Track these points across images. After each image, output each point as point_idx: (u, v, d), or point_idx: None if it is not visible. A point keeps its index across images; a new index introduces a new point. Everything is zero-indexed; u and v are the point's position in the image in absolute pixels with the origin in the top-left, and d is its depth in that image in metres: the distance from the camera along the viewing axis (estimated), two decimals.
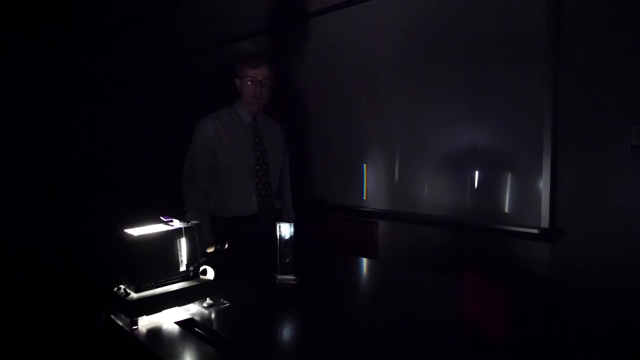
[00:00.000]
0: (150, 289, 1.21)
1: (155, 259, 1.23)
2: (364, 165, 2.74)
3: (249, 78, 2.21)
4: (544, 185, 1.99)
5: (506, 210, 2.14)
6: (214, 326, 1.19)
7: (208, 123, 2.23)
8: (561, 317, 1.07)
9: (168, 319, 1.21)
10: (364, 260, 1.93)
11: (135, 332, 1.15)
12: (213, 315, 1.25)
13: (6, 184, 3.90)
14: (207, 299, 1.30)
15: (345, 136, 2.83)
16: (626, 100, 1.79)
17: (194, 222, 1.34)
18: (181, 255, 1.28)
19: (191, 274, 1.29)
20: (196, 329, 1.20)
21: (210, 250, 1.37)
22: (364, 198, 2.74)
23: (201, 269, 1.31)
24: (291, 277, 1.52)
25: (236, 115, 2.30)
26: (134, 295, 1.18)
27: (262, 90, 2.23)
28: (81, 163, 4.37)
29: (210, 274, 1.32)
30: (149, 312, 1.19)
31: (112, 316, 1.25)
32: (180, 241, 1.27)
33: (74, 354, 2.39)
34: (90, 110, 4.47)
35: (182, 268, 1.28)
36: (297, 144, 3.08)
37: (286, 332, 1.23)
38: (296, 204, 2.55)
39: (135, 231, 1.24)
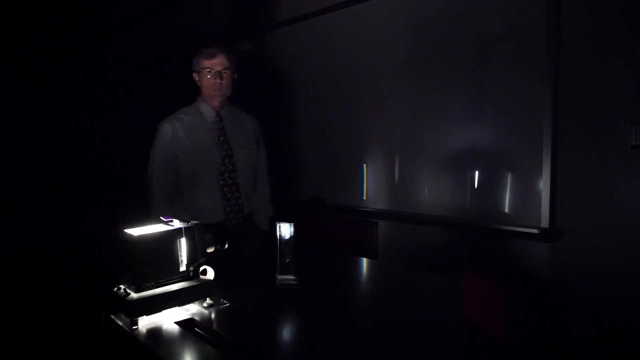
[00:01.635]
0: (150, 289, 1.21)
1: (155, 259, 1.22)
2: (364, 165, 2.73)
3: (207, 70, 2.08)
4: (544, 185, 1.99)
5: (506, 210, 2.14)
6: (214, 326, 1.19)
7: (165, 126, 2.09)
8: (561, 317, 1.07)
9: (168, 319, 1.21)
10: (364, 260, 1.93)
11: (135, 332, 1.15)
12: (213, 315, 1.25)
13: (5, 184, 3.90)
14: (207, 299, 1.30)
15: (345, 136, 2.83)
16: (626, 100, 1.79)
17: (194, 222, 1.34)
18: (181, 255, 1.27)
19: (191, 274, 1.29)
20: (196, 329, 1.20)
21: (210, 250, 1.37)
22: (364, 198, 2.74)
23: (201, 269, 1.31)
24: (291, 277, 1.51)
25: (198, 113, 2.15)
26: (134, 295, 1.18)
27: (222, 81, 2.08)
28: (81, 163, 4.37)
29: (210, 274, 1.32)
30: (149, 312, 1.19)
31: (112, 316, 1.25)
32: (180, 241, 1.27)
33: (74, 354, 2.39)
34: (90, 109, 4.47)
35: (182, 268, 1.28)
36: (297, 144, 3.09)
37: (286, 332, 1.23)
38: (296, 204, 2.55)
39: (135, 231, 1.24)
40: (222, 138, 2.15)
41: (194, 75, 2.16)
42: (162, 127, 2.11)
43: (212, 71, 2.09)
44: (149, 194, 2.11)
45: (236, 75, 2.19)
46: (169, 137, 2.08)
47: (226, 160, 2.14)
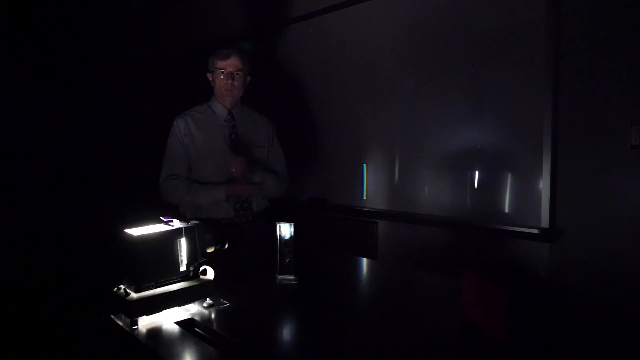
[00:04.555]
0: (150, 289, 1.21)
1: (155, 259, 1.22)
2: (364, 165, 2.74)
3: (220, 70, 2.14)
4: (544, 185, 1.99)
5: (506, 210, 2.14)
6: (214, 326, 1.19)
7: (178, 121, 2.18)
8: (561, 317, 1.07)
9: (168, 319, 1.21)
10: (364, 260, 1.93)
11: (135, 332, 1.15)
12: (213, 315, 1.25)
13: (5, 184, 3.90)
14: (207, 299, 1.30)
15: (345, 136, 2.83)
16: (626, 100, 1.80)
17: (194, 222, 1.34)
18: (181, 255, 1.27)
19: (191, 274, 1.29)
20: (196, 329, 1.20)
21: (210, 250, 1.37)
22: (364, 198, 2.74)
23: (201, 269, 1.31)
24: (291, 277, 1.51)
25: (211, 111, 2.22)
26: (134, 295, 1.18)
27: (233, 82, 2.14)
28: (81, 163, 4.37)
29: (210, 274, 1.32)
30: (149, 312, 1.19)
31: (112, 316, 1.25)
32: (180, 241, 1.27)
33: (74, 354, 2.39)
34: (90, 109, 4.47)
35: (182, 268, 1.28)
36: (298, 144, 3.08)
37: (286, 332, 1.23)
38: (296, 204, 2.55)
39: (135, 231, 1.24)
40: (233, 135, 2.21)
41: (208, 75, 2.22)
42: (175, 122, 2.19)
43: (225, 72, 2.15)
44: (162, 191, 2.16)
45: (249, 78, 2.24)
46: (181, 131, 2.16)
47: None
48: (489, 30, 2.15)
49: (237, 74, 2.15)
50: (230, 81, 2.14)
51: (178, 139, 2.16)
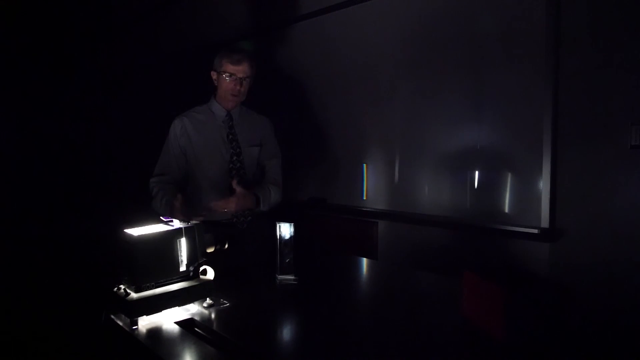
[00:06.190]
0: (150, 289, 1.21)
1: (155, 259, 1.23)
2: (364, 165, 2.74)
3: (228, 74, 2.12)
4: (544, 185, 1.99)
5: (506, 210, 2.14)
6: (214, 326, 1.19)
7: (175, 123, 2.18)
8: (561, 317, 1.07)
9: (168, 319, 1.22)
10: (364, 260, 1.93)
11: (135, 332, 1.15)
12: (213, 315, 1.25)
13: (5, 184, 3.90)
14: (207, 299, 1.31)
15: (345, 136, 2.83)
16: (626, 100, 1.79)
17: (194, 221, 1.34)
18: (181, 255, 1.28)
19: (191, 274, 1.29)
20: (196, 329, 1.21)
21: (210, 250, 1.37)
22: (364, 198, 2.74)
23: (201, 269, 1.31)
24: (291, 277, 1.52)
25: (210, 112, 2.22)
26: (134, 295, 1.18)
27: (240, 88, 2.13)
28: (81, 163, 4.37)
29: (210, 274, 1.32)
30: (149, 312, 1.19)
31: (112, 316, 1.25)
32: (180, 241, 1.27)
33: (74, 354, 2.39)
34: (90, 109, 4.47)
35: (182, 268, 1.28)
36: (298, 144, 3.09)
37: (286, 332, 1.23)
38: (296, 204, 2.55)
39: (135, 231, 1.24)
40: (230, 136, 2.20)
41: (213, 73, 2.19)
42: (172, 124, 2.20)
43: (234, 77, 2.12)
44: (151, 190, 2.14)
45: (252, 83, 2.21)
46: (177, 132, 2.17)
47: (234, 158, 2.18)
48: (489, 30, 2.14)
49: (245, 80, 2.14)
50: (238, 87, 2.13)
51: (172, 140, 2.16)
